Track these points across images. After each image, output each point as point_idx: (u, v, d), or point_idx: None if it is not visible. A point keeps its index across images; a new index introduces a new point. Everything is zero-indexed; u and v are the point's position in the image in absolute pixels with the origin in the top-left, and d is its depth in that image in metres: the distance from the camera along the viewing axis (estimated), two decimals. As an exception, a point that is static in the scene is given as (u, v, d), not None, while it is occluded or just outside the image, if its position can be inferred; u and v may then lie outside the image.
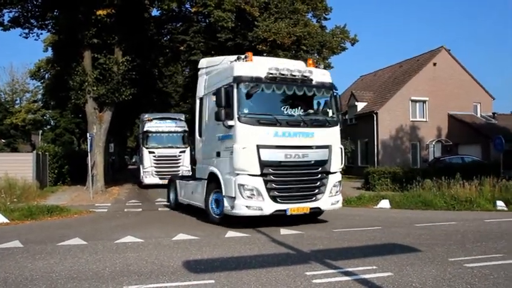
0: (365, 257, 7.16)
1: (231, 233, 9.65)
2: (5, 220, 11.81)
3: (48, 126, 58.56)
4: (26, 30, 22.02)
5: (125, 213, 14.22)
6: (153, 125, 24.55)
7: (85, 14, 19.53)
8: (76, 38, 20.61)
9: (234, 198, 10.03)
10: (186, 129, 25.05)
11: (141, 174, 24.42)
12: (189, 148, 24.68)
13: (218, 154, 10.86)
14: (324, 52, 27.16)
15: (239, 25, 24.75)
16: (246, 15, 24.53)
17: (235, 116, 9.97)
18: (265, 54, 24.52)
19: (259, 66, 10.55)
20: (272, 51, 23.69)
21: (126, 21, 21.03)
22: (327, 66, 27.69)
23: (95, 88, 20.64)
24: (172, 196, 15.15)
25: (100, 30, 20.48)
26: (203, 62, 13.11)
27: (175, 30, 27.41)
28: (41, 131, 56.30)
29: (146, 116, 25.63)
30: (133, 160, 76.05)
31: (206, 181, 11.46)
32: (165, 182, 22.19)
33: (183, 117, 26.95)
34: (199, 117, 12.40)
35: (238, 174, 9.98)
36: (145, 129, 24.31)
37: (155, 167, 23.75)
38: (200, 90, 12.58)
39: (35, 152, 22.69)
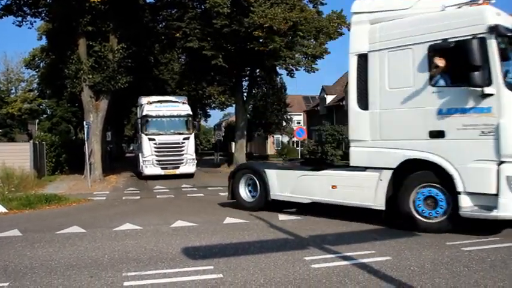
0: (363, 242, 7.19)
1: (229, 220, 9.66)
2: (4, 210, 11.81)
3: (45, 116, 58.35)
4: (19, 18, 21.82)
5: (123, 201, 14.24)
6: (153, 108, 22.31)
7: (79, 1, 19.29)
8: (70, 26, 20.44)
9: (493, 195, 7.12)
10: (190, 112, 23.19)
11: (140, 163, 22.23)
12: (193, 134, 23.21)
13: (440, 134, 7.71)
14: (320, 37, 27.00)
15: (235, 11, 24.52)
16: (242, 1, 24.30)
17: (498, 80, 7.07)
18: (261, 40, 24.43)
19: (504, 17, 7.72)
20: (268, 37, 23.53)
21: (121, 8, 20.81)
22: (324, 52, 27.62)
23: (91, 76, 20.52)
24: (250, 191, 11.26)
25: (94, 18, 20.27)
26: (364, 5, 9.07)
27: (171, 17, 27.16)
28: (37, 120, 56.08)
29: (145, 98, 23.44)
30: (131, 148, 76.10)
31: (391, 171, 8.27)
32: (168, 172, 21.68)
33: (185, 99, 24.88)
34: (361, 81, 8.83)
35: (504, 162, 7.07)
36: (144, 114, 22.16)
37: (156, 155, 21.65)
38: (361, 44, 8.86)
39: (31, 141, 22.65)
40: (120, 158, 50.21)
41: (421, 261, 6.00)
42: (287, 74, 29.22)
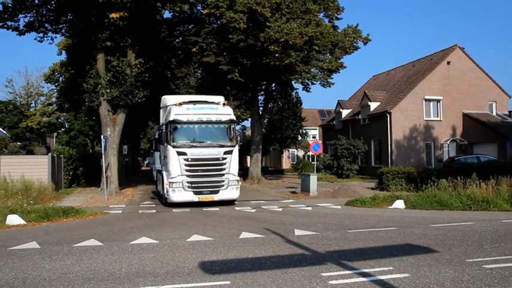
0: (381, 258, 7.10)
1: (245, 234, 9.63)
2: (22, 222, 11.96)
3: (63, 129, 59.28)
4: (41, 34, 22.28)
5: (139, 215, 14.30)
6: (184, 111, 16.38)
7: (98, 17, 19.72)
8: (89, 41, 20.84)
9: None
10: (233, 117, 17.31)
11: (165, 186, 16.52)
12: (237, 147, 17.00)
13: None
14: (336, 52, 27.06)
15: (251, 26, 24.75)
16: (258, 16, 24.54)
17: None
18: (277, 55, 24.54)
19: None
20: (284, 51, 23.66)
21: (139, 23, 21.19)
22: (340, 66, 27.63)
23: (109, 90, 20.82)
24: None
25: (113, 33, 20.68)
26: None
27: (187, 32, 27.50)
28: (55, 134, 56.99)
29: (172, 98, 18.40)
30: (147, 162, 76.55)
31: None
32: (204, 199, 16.23)
33: (224, 100, 18.48)
34: None
35: None
36: (171, 118, 16.22)
37: (188, 175, 16.02)
38: None
39: (50, 154, 22.94)
40: (136, 172, 50.55)
41: (441, 279, 5.88)
42: (303, 89, 29.25)
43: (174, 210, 15.39)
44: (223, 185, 16.46)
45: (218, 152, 16.41)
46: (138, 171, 54.00)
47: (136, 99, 21.36)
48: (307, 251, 7.86)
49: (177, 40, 29.11)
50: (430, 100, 32.86)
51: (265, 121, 39.88)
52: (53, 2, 21.06)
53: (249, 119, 36.82)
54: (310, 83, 28.39)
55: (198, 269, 6.67)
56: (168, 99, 18.41)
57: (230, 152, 16.57)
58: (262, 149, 33.74)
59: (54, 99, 53.09)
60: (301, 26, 23.45)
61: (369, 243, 8.49)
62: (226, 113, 17.01)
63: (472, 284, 5.66)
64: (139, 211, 15.29)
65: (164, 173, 17.01)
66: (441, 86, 32.85)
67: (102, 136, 19.69)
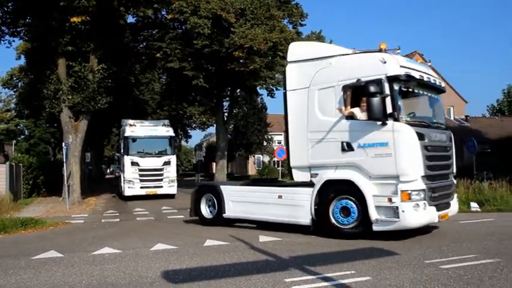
0: (343, 262, 7.21)
1: (209, 242, 9.58)
2: (-23, 234, 11.51)
3: (22, 136, 57.48)
4: (-3, 37, 21.59)
5: (102, 224, 14.01)
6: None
7: (59, 21, 19.26)
8: (50, 46, 20.32)
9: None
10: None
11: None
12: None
13: None
14: (300, 58, 27.34)
15: (215, 31, 24.79)
16: (223, 22, 24.62)
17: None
18: (242, 61, 24.64)
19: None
20: (249, 57, 23.77)
21: (102, 28, 20.82)
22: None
23: (70, 97, 20.34)
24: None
25: (74, 38, 20.20)
26: None
27: (152, 37, 27.30)
28: (14, 141, 55.07)
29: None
30: (111, 169, 75.24)
31: None
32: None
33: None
34: None
35: None
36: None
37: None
38: None
39: (8, 163, 22.21)
40: (100, 180, 49.49)
41: (401, 280, 6.03)
42: (268, 94, 29.49)
43: (138, 218, 15.17)
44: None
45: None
46: (102, 179, 52.92)
47: (99, 105, 20.98)
48: (271, 257, 7.89)
49: (141, 45, 28.84)
50: (391, 105, 33.55)
51: (230, 127, 39.94)
52: (9, 4, 20.45)
53: (214, 125, 36.79)
54: (274, 89, 28.69)
55: (161, 278, 6.59)
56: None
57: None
58: (228, 155, 33.75)
59: (12, 105, 51.39)
60: (266, 32, 23.66)
61: (333, 248, 8.60)
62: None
63: (429, 284, 5.83)
64: (103, 220, 14.98)
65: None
66: (402, 91, 33.66)
67: (63, 144, 19.21)
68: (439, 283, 5.85)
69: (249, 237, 10.05)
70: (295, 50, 10.97)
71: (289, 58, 10.91)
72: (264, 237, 9.93)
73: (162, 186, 22.39)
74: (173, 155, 23.23)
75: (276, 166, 42.20)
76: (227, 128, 33.62)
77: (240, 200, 11.68)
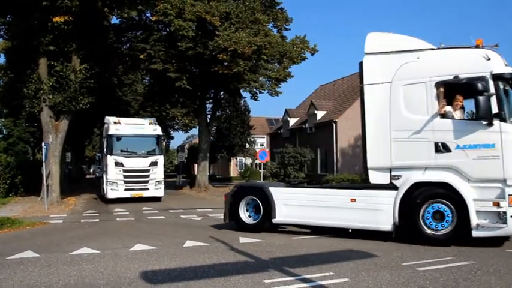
0: (322, 264, 7.27)
1: (189, 243, 9.57)
2: (-48, 234, 11.28)
3: (0, 135, 56.45)
4: (-24, 35, 21.24)
5: (81, 224, 13.85)
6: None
7: (41, 21, 18.98)
8: (31, 45, 20.00)
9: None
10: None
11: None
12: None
13: None
14: (284, 62, 27.53)
15: (200, 34, 24.78)
16: (207, 25, 24.60)
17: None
18: (226, 64, 24.65)
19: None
20: (233, 60, 23.81)
21: (85, 28, 20.58)
22: (287, 76, 28.11)
23: (51, 96, 20.06)
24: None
25: (57, 37, 19.92)
26: None
27: (135, 39, 27.13)
28: (-8, 140, 54.16)
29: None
30: (91, 170, 74.40)
31: None
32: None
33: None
34: None
35: None
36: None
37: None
38: None
39: (-15, 162, 21.82)
40: (80, 180, 48.90)
41: (378, 282, 6.12)
42: (251, 97, 29.55)
43: (117, 219, 15.04)
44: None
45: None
46: (82, 179, 52.29)
47: (80, 105, 20.72)
48: (251, 258, 7.92)
49: (124, 46, 28.63)
50: (373, 110, 33.89)
51: (213, 129, 39.89)
52: (-11, 2, 20.12)
53: (197, 127, 36.69)
54: (258, 92, 28.76)
55: (140, 279, 6.56)
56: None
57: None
58: (210, 157, 33.69)
59: (-9, 104, 50.45)
60: (250, 36, 23.72)
61: (312, 250, 8.67)
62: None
63: (407, 286, 5.93)
64: (82, 220, 14.82)
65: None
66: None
67: (43, 143, 18.93)
68: (415, 285, 5.96)
69: (229, 238, 10.06)
70: (374, 40, 9.91)
71: (366, 49, 9.90)
72: (244, 239, 9.95)
73: (148, 189, 21.20)
74: (160, 155, 21.97)
75: (258, 168, 42.27)
76: (210, 130, 33.57)
77: (298, 204, 10.49)
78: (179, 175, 39.49)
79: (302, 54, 28.00)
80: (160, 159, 21.81)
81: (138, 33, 27.50)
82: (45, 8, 18.12)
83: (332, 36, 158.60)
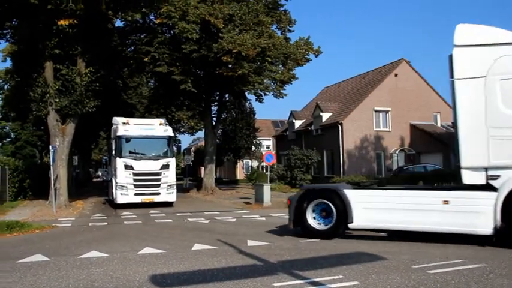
0: (331, 267, 7.23)
1: (198, 246, 9.55)
2: (-39, 238, 11.33)
3: (8, 139, 56.76)
4: (-18, 40, 21.35)
5: (89, 228, 13.87)
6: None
7: (46, 24, 19.07)
8: (37, 48, 20.11)
9: None
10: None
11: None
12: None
13: None
14: (288, 63, 27.48)
15: (204, 36, 24.79)
16: (211, 27, 24.63)
17: None
18: (230, 66, 24.64)
19: None
20: (237, 62, 23.81)
21: (89, 31, 20.67)
22: (292, 77, 28.07)
23: (57, 100, 20.15)
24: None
25: (62, 41, 20.02)
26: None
27: (140, 41, 27.18)
28: (0, 144, 54.39)
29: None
30: (98, 173, 74.61)
31: None
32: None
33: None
34: None
35: None
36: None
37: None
38: None
39: (-7, 166, 21.90)
40: (87, 183, 49.06)
41: (388, 285, 6.07)
42: (256, 99, 29.52)
43: (125, 222, 15.05)
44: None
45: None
46: (90, 183, 52.46)
47: (86, 108, 20.80)
48: (260, 261, 7.90)
49: (129, 49, 28.71)
50: (379, 111, 33.96)
51: (219, 132, 39.89)
52: (-5, 7, 20.24)
53: (203, 130, 36.71)
54: (263, 94, 28.72)
55: (149, 282, 6.56)
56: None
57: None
58: (216, 160, 33.69)
59: (-2, 108, 50.75)
60: (254, 38, 23.71)
61: (321, 253, 8.63)
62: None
63: (417, 289, 5.89)
64: (90, 224, 14.83)
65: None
66: (389, 98, 34.06)
67: (50, 147, 19.00)
68: None
69: (238, 241, 10.04)
70: (465, 32, 9.33)
71: (456, 41, 9.30)
72: (252, 242, 9.93)
73: (159, 193, 20.00)
74: (172, 157, 20.68)
75: (264, 171, 42.28)
76: (215, 132, 33.57)
77: (381, 207, 9.76)
78: (186, 178, 39.56)
79: (306, 56, 27.96)
80: (172, 161, 20.62)
81: (142, 36, 27.55)
82: (50, 11, 18.17)
83: (335, 37, 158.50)
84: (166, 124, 21.66)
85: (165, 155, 20.37)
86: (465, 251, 8.25)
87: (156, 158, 20.07)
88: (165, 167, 20.09)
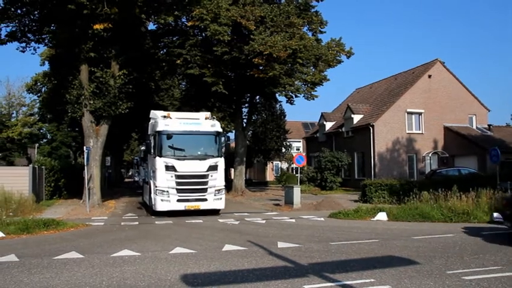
0: (363, 270, 7.14)
1: (228, 247, 9.60)
2: (1, 234, 11.74)
3: (45, 140, 58.47)
4: (23, 44, 22.08)
5: (122, 227, 14.13)
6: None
7: (82, 28, 19.63)
8: (73, 52, 20.71)
9: None
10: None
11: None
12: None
13: None
14: (319, 65, 27.33)
15: (235, 38, 24.94)
16: (242, 29, 24.75)
17: None
18: (261, 68, 24.69)
19: None
20: (268, 64, 23.83)
21: (123, 35, 21.16)
22: (323, 79, 27.89)
23: (92, 102, 20.68)
24: None
25: (97, 44, 20.59)
26: None
27: (172, 44, 27.57)
28: (37, 145, 56.17)
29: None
30: (130, 173, 76.00)
31: None
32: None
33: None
34: None
35: None
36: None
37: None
38: None
39: (31, 165, 22.61)
40: (119, 184, 50.06)
41: (422, 290, 5.95)
42: (287, 101, 29.46)
43: (156, 222, 15.25)
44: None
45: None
46: (121, 183, 53.50)
47: (119, 110, 21.25)
48: (290, 263, 7.87)
49: (161, 52, 29.14)
50: (412, 113, 33.34)
51: (249, 133, 40.02)
52: (36, 13, 20.94)
53: (233, 131, 36.86)
54: (294, 96, 28.64)
55: (180, 281, 6.63)
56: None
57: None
58: (246, 161, 33.77)
59: (36, 110, 52.40)
60: (285, 39, 23.69)
61: (352, 255, 8.53)
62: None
63: (452, 295, 5.74)
64: (122, 223, 15.11)
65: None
66: (423, 99, 33.40)
67: (84, 147, 19.49)
68: (461, 293, 5.77)
69: (267, 243, 10.04)
70: None
71: None
72: (282, 244, 9.90)
73: (206, 199, 16.80)
74: (221, 157, 17.37)
75: (294, 173, 42.12)
76: (246, 134, 33.68)
77: None
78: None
79: (337, 57, 27.75)
80: (221, 162, 17.31)
81: (174, 39, 27.94)
82: (86, 16, 18.69)
83: (368, 38, 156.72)
84: (213, 118, 18.74)
85: (213, 154, 17.22)
86: (503, 258, 7.99)
87: (203, 158, 16.99)
88: (213, 168, 16.95)
